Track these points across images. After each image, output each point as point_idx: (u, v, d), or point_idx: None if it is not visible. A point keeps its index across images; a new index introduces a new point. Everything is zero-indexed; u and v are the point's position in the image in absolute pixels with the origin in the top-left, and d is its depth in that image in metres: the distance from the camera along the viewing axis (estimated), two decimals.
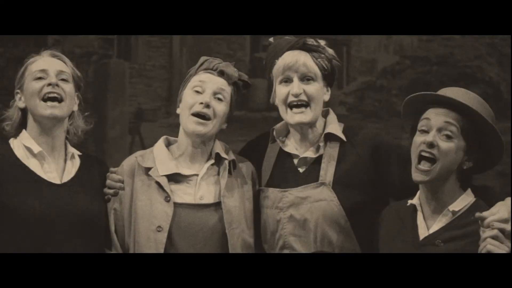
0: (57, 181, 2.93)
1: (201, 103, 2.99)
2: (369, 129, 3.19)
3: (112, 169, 3.06)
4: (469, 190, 2.80)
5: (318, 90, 3.02)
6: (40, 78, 2.93)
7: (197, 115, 3.00)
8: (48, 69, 2.95)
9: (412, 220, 2.81)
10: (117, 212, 3.04)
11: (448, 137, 2.72)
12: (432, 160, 2.72)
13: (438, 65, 8.61)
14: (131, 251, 3.01)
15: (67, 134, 3.03)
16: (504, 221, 2.58)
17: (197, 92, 3.01)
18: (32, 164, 2.92)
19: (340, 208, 2.98)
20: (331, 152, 3.04)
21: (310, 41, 3.05)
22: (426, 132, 2.73)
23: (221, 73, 3.04)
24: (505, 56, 8.39)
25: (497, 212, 2.59)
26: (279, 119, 3.15)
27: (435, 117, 2.73)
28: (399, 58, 8.82)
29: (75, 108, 3.03)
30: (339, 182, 3.00)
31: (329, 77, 3.07)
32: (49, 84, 2.91)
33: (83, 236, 2.89)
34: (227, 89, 3.04)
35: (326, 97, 3.07)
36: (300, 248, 2.99)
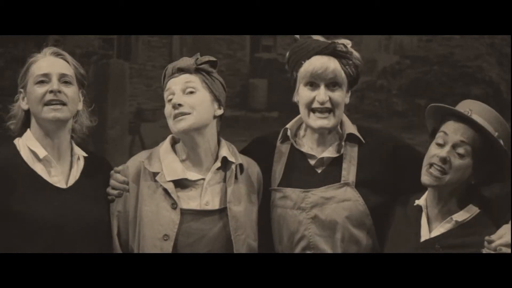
0: (63, 185, 2.92)
1: (173, 107, 2.97)
2: (383, 131, 3.22)
3: (116, 168, 3.03)
4: (475, 202, 2.82)
5: (342, 96, 3.04)
6: (42, 82, 2.93)
7: (175, 116, 2.98)
8: (50, 73, 2.93)
9: (416, 220, 2.86)
10: (121, 215, 3.01)
11: (461, 156, 2.76)
12: (442, 172, 2.76)
13: (438, 65, 8.60)
14: None
15: (72, 133, 3.02)
16: (509, 245, 2.64)
17: (170, 100, 3.00)
18: (39, 169, 2.91)
19: (365, 207, 3.00)
20: (351, 153, 3.06)
21: (340, 46, 3.04)
22: (441, 145, 2.77)
23: (180, 70, 3.02)
24: (505, 56, 8.38)
25: (504, 235, 2.65)
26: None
27: (452, 133, 2.77)
28: (399, 58, 8.81)
29: (80, 107, 3.02)
30: (362, 182, 3.02)
31: (353, 82, 3.08)
32: (51, 92, 2.91)
33: (89, 240, 2.89)
34: (194, 79, 3.00)
35: (347, 99, 3.08)
36: (326, 248, 3.00)
